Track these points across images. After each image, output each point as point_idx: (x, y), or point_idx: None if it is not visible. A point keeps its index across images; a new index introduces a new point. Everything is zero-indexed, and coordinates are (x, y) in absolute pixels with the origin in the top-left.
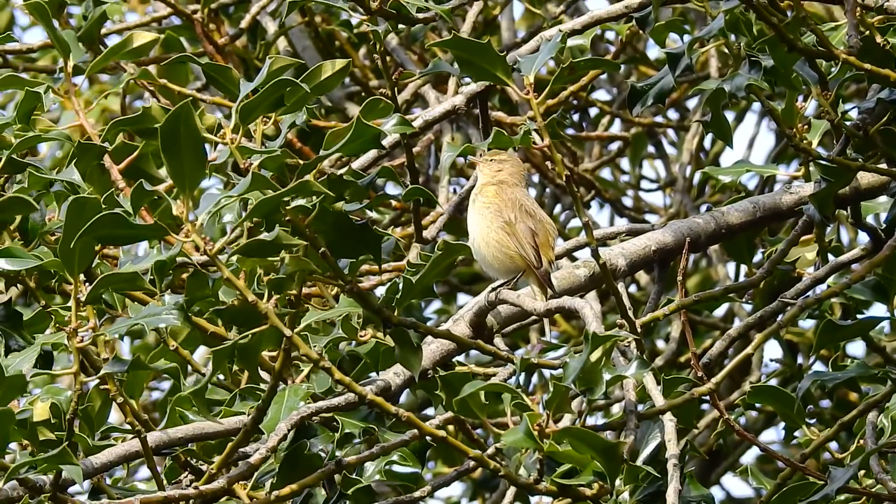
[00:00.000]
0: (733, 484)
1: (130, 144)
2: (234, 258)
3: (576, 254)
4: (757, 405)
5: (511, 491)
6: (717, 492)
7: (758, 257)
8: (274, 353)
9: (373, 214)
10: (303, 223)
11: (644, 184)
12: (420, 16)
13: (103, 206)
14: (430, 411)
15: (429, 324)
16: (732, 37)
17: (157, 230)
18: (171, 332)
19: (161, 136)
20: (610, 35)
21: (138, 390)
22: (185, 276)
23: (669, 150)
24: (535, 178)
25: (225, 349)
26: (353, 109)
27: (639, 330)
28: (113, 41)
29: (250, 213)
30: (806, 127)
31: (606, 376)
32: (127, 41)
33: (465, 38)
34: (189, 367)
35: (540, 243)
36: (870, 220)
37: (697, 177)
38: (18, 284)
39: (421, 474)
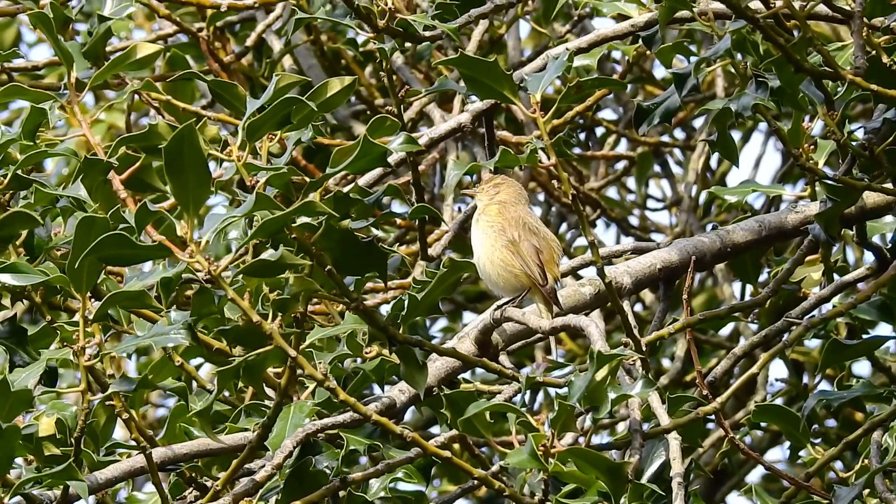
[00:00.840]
0: (738, 503)
1: (133, 156)
2: (240, 276)
3: (581, 272)
4: (762, 424)
5: None
6: None
7: (763, 277)
8: (279, 370)
9: (378, 232)
10: (309, 241)
11: (650, 203)
12: (427, 34)
13: (111, 224)
14: (435, 429)
15: (434, 342)
16: (738, 56)
17: (161, 250)
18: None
19: (165, 156)
20: (616, 55)
21: (138, 402)
22: (189, 292)
23: (675, 169)
24: (541, 197)
25: (230, 369)
26: (359, 128)
27: (644, 349)
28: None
29: (255, 233)
30: (812, 147)
31: (611, 395)
32: (130, 52)
33: (472, 57)
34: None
35: (545, 261)
36: (875, 239)
37: (703, 196)
38: (24, 300)
39: (425, 492)
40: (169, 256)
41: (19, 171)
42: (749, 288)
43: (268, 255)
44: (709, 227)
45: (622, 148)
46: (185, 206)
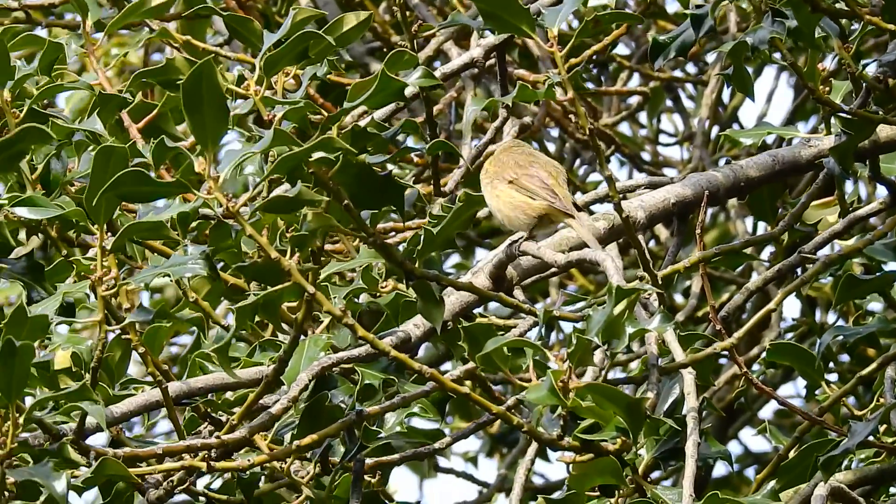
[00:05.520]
0: (751, 438)
1: (149, 103)
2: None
3: (595, 206)
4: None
5: (532, 448)
6: (734, 446)
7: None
8: (294, 304)
9: (394, 168)
10: (326, 175)
11: (662, 138)
12: None
13: (129, 156)
14: (446, 365)
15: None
16: None
17: (179, 187)
18: (192, 286)
19: (183, 93)
20: None
21: (158, 347)
22: (207, 231)
23: (687, 103)
24: (555, 133)
25: (248, 306)
26: (375, 65)
27: (660, 283)
28: None
29: (273, 169)
30: (827, 89)
31: (629, 329)
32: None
33: None
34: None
35: (551, 185)
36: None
37: (715, 131)
38: (39, 234)
39: (440, 428)
40: (187, 193)
41: (35, 106)
42: (761, 225)
43: (282, 190)
44: (721, 161)
45: (634, 82)
46: (203, 142)
